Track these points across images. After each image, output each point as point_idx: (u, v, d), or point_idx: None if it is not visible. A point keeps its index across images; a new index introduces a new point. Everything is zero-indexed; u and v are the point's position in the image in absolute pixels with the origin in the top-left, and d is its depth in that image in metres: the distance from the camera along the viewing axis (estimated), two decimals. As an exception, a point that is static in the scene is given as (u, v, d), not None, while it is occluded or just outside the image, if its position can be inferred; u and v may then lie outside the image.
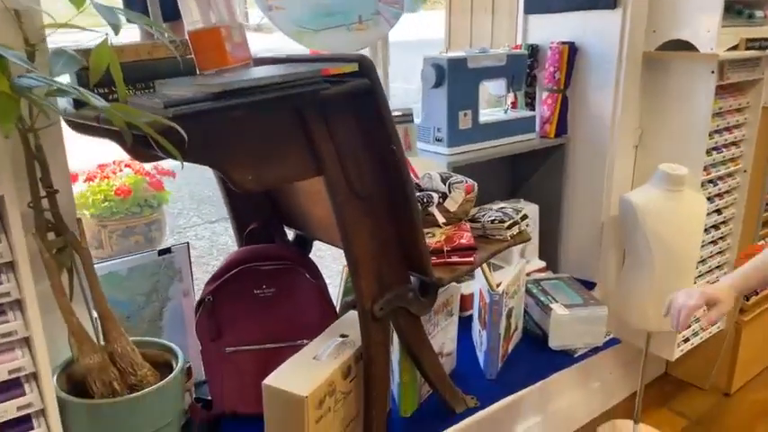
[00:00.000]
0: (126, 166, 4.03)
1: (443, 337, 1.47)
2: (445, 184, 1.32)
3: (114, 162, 3.97)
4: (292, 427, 1.11)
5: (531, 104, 2.03)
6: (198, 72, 1.04)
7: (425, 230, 1.32)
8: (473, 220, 1.37)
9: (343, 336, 1.26)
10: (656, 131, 1.97)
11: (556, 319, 1.60)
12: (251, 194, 1.43)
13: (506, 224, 1.32)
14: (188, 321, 1.47)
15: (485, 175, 1.97)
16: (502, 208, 1.40)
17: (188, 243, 1.49)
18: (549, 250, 2.08)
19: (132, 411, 0.86)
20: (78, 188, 3.55)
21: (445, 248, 1.25)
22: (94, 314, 1.02)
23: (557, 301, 1.65)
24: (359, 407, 1.24)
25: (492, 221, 1.33)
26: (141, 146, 0.84)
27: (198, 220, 4.81)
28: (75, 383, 0.92)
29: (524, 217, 1.38)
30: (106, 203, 3.66)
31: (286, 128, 0.97)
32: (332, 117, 1.01)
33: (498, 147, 1.83)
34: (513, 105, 1.99)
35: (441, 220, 1.29)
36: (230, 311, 1.39)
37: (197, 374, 1.43)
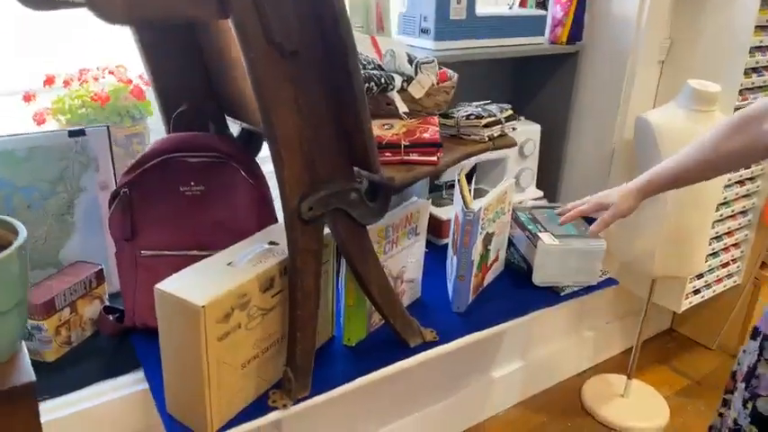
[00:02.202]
0: (110, 73, 3.79)
1: (404, 259, 1.23)
2: (412, 65, 1.06)
3: (98, 68, 3.73)
4: (188, 342, 0.89)
5: (542, 4, 1.72)
6: None
7: (384, 122, 1.07)
8: (446, 115, 1.11)
9: (272, 243, 1.03)
10: (688, 44, 1.67)
11: (543, 249, 1.35)
12: (177, 65, 1.18)
13: (484, 121, 1.06)
14: (106, 219, 1.25)
15: (478, 85, 1.70)
16: (485, 104, 1.13)
17: (107, 126, 1.26)
18: (550, 178, 1.81)
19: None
20: (57, 93, 3.34)
21: (403, 143, 0.99)
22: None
23: (547, 231, 1.40)
24: (284, 328, 1.02)
25: (467, 117, 1.07)
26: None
27: (191, 139, 4.59)
28: None
29: (511, 117, 1.12)
30: (83, 110, 3.44)
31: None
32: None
33: (497, 47, 1.54)
34: (523, 3, 1.69)
35: (402, 108, 1.03)
36: (150, 209, 1.16)
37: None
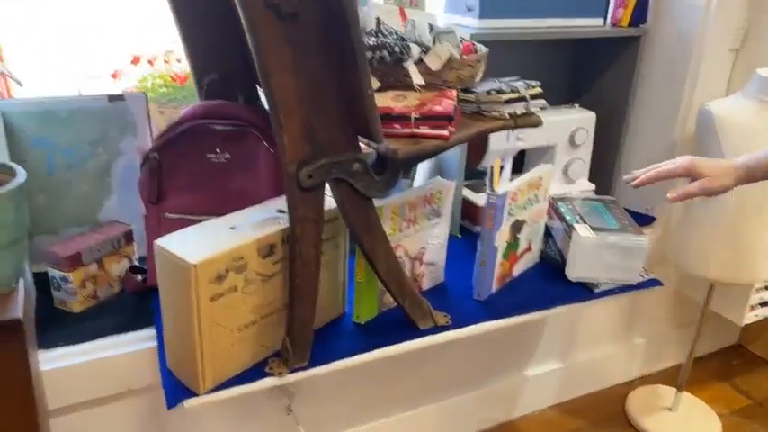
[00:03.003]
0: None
1: (423, 240, 1.20)
2: (431, 34, 1.02)
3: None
4: (181, 299, 0.91)
5: (605, -16, 1.62)
6: None
7: (399, 93, 1.04)
8: (467, 90, 1.06)
9: (280, 211, 1.03)
10: (766, 32, 1.51)
11: (577, 241, 1.27)
12: (210, 33, 1.20)
13: (505, 97, 1.00)
14: (142, 182, 1.30)
15: (530, 68, 1.62)
16: (511, 80, 1.08)
17: (145, 94, 1.31)
18: (603, 172, 1.71)
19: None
20: (141, 72, 3.56)
21: (413, 115, 0.96)
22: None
23: (585, 223, 1.32)
24: (286, 297, 1.02)
25: (488, 92, 1.02)
26: None
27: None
28: None
29: (537, 95, 1.05)
30: (164, 89, 3.64)
31: None
32: None
33: (547, 28, 1.47)
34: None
35: (417, 80, 1.00)
36: (177, 173, 1.20)
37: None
